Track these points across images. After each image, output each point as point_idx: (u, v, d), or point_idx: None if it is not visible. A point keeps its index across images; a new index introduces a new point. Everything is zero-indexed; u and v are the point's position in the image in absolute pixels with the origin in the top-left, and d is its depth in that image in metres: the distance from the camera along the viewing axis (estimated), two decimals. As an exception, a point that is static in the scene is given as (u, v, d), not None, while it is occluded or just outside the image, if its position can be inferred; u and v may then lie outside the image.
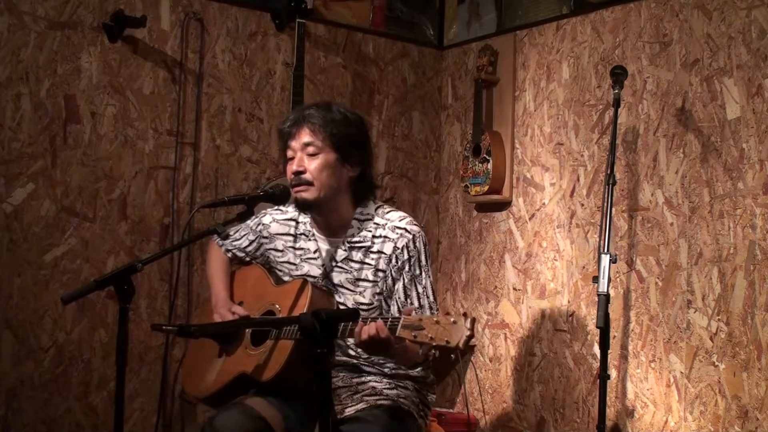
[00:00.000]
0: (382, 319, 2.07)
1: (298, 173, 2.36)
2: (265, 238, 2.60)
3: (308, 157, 2.37)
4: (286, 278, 2.53)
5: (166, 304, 3.31)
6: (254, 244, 2.62)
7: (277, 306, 2.39)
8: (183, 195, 3.39)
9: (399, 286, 2.38)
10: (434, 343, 1.92)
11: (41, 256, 3.07)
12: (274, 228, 2.58)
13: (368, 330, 2.07)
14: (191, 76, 3.42)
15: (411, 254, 2.38)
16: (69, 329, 3.12)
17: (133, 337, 3.18)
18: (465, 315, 1.91)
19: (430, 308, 2.38)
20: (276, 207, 2.58)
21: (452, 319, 1.91)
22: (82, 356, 3.15)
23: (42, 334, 3.06)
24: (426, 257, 2.41)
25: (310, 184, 2.36)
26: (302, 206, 2.41)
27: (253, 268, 2.63)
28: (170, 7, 3.37)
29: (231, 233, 2.66)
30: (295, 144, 2.39)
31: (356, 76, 3.89)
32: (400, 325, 1.99)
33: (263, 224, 2.61)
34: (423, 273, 2.39)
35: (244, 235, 2.64)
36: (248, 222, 2.63)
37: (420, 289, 2.38)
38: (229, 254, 2.67)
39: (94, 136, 3.19)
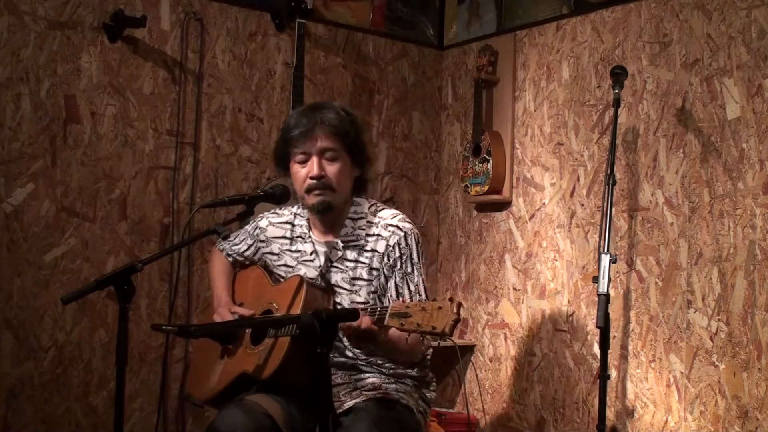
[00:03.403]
0: (371, 308, 2.08)
1: (319, 177, 2.35)
2: (262, 242, 2.61)
3: (327, 162, 2.37)
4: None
5: (166, 304, 3.31)
6: (252, 248, 2.64)
7: (275, 305, 2.40)
8: (183, 195, 3.39)
9: (391, 283, 2.39)
10: (421, 330, 1.93)
11: (41, 256, 3.07)
12: (271, 231, 2.59)
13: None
14: (191, 76, 3.42)
15: (402, 252, 2.39)
16: (69, 329, 3.12)
17: (133, 337, 3.19)
18: (451, 299, 1.91)
19: None
20: (272, 210, 2.59)
21: (438, 305, 1.91)
22: (82, 356, 3.15)
23: (42, 334, 3.06)
24: (418, 254, 2.42)
25: (331, 188, 2.37)
26: (322, 210, 2.40)
27: (253, 269, 2.64)
28: (170, 7, 3.37)
29: (231, 238, 2.68)
30: (310, 148, 2.37)
31: (356, 76, 3.89)
32: (388, 314, 2.01)
33: (260, 228, 2.62)
34: (415, 270, 2.40)
35: (243, 239, 2.66)
36: (246, 227, 2.66)
37: (412, 287, 2.39)
38: (230, 259, 2.69)
39: (94, 136, 3.19)
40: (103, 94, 3.21)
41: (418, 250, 2.42)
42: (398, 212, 2.48)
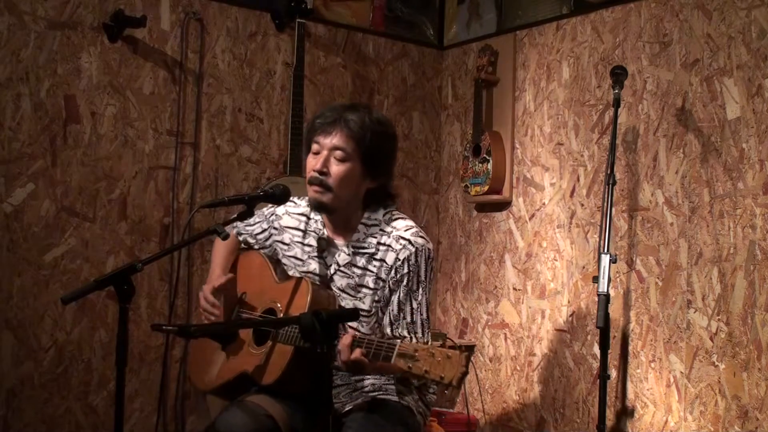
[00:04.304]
0: (378, 341, 2.07)
1: (321, 173, 2.33)
2: (276, 229, 2.58)
3: (335, 161, 2.34)
4: (291, 272, 2.51)
5: (166, 304, 3.31)
6: (265, 233, 2.61)
7: (278, 305, 2.39)
8: (183, 195, 3.39)
9: (394, 298, 2.36)
10: (428, 377, 1.92)
11: (41, 256, 3.07)
12: (286, 220, 2.56)
13: (347, 353, 2.10)
14: (191, 76, 3.42)
15: (411, 268, 2.35)
16: (69, 329, 3.12)
17: (133, 337, 3.18)
18: (460, 349, 1.90)
19: (422, 325, 2.36)
20: (290, 199, 2.54)
21: (447, 354, 1.90)
22: (82, 356, 3.15)
23: (42, 334, 3.06)
24: (426, 273, 2.38)
25: (329, 188, 2.34)
26: (314, 207, 2.41)
27: (256, 255, 2.61)
28: (170, 7, 3.37)
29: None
30: (325, 142, 2.35)
31: (356, 76, 3.89)
32: (395, 354, 1.99)
33: (276, 214, 2.59)
34: (420, 289, 2.37)
35: (258, 222, 2.62)
36: (263, 209, 2.61)
37: (414, 305, 2.36)
38: (241, 238, 2.66)
39: (94, 136, 3.19)
40: (103, 94, 3.21)
41: (426, 268, 2.38)
42: (412, 224, 2.42)
